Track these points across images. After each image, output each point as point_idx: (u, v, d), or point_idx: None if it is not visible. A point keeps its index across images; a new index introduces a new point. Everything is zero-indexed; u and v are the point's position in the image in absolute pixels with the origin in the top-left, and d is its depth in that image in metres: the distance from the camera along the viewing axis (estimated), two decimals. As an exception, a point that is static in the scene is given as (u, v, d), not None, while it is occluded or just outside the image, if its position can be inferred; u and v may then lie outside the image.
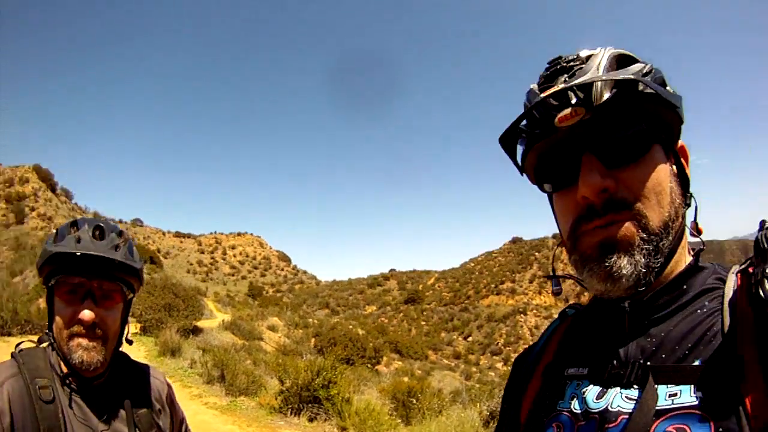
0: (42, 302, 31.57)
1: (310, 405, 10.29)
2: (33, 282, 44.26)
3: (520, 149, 1.21)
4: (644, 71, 1.09)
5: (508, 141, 1.20)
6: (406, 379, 25.12)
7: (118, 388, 1.80)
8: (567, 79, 1.11)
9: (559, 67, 1.16)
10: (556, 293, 1.35)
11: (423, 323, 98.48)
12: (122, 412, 1.77)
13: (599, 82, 1.03)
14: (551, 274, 1.33)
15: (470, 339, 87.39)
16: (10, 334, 20.14)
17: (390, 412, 11.56)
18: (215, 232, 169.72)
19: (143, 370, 2.00)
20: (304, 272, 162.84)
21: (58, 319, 1.65)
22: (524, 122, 1.15)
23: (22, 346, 1.76)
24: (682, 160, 1.21)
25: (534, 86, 1.19)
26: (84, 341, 1.62)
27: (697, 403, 0.92)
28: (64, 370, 1.69)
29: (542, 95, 1.08)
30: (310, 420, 9.89)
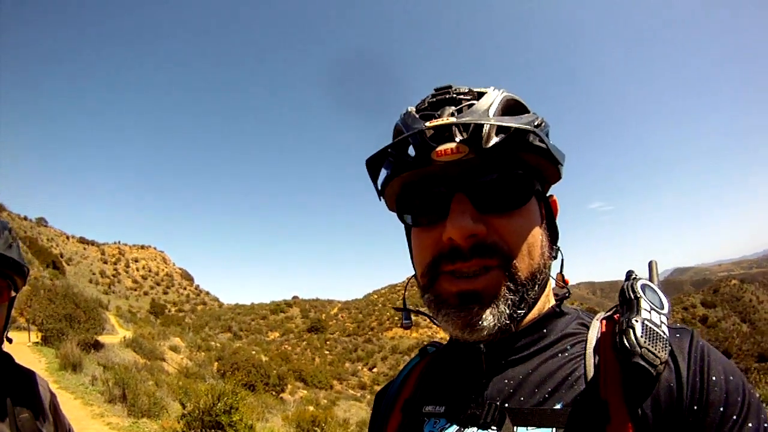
0: None
1: (213, 430, 10.11)
2: None
3: (384, 173, 1.17)
4: (536, 123, 1.10)
5: (374, 164, 1.16)
6: (311, 408, 25.10)
7: (1, 388, 1.76)
8: (455, 112, 1.10)
9: (447, 97, 1.14)
10: (406, 327, 1.35)
11: (327, 352, 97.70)
12: (5, 414, 1.73)
13: (488, 125, 1.02)
14: (402, 306, 1.33)
15: (375, 370, 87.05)
16: None
17: None
18: (119, 242, 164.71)
19: (27, 374, 1.95)
20: (207, 293, 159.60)
21: None
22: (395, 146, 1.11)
23: None
24: (553, 213, 1.24)
25: (412, 109, 1.18)
26: None
27: None
28: None
29: (427, 124, 1.06)
30: None
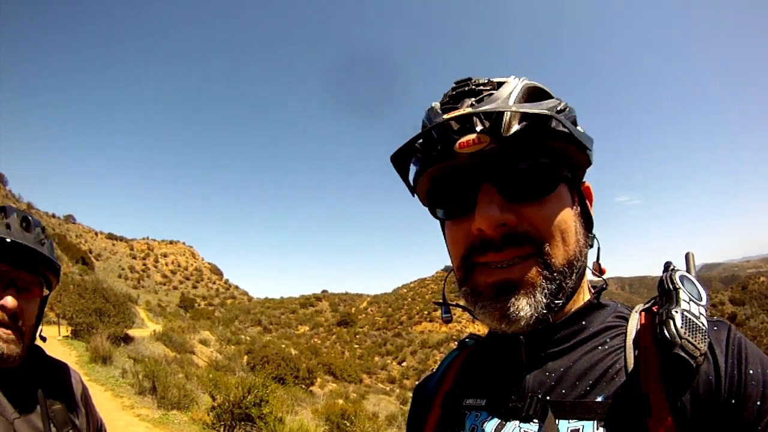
0: None
1: (243, 423, 10.09)
2: None
3: (413, 169, 1.17)
4: (558, 108, 1.07)
5: (400, 159, 1.15)
6: (340, 401, 25.13)
7: (33, 380, 1.77)
8: (474, 103, 1.08)
9: (467, 89, 1.12)
10: (446, 321, 1.31)
11: (356, 346, 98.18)
12: (37, 406, 1.74)
13: (509, 112, 0.99)
14: (441, 301, 1.30)
15: (404, 364, 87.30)
16: None
17: None
18: (147, 238, 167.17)
19: (59, 366, 1.97)
20: (236, 287, 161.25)
21: None
22: (421, 141, 1.10)
23: None
24: (586, 200, 1.20)
25: (436, 104, 1.14)
26: (4, 332, 1.60)
27: None
28: None
29: (445, 116, 1.04)
30: None
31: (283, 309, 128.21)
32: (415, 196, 1.23)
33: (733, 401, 0.89)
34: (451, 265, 1.20)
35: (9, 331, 1.59)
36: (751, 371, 0.91)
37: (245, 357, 37.23)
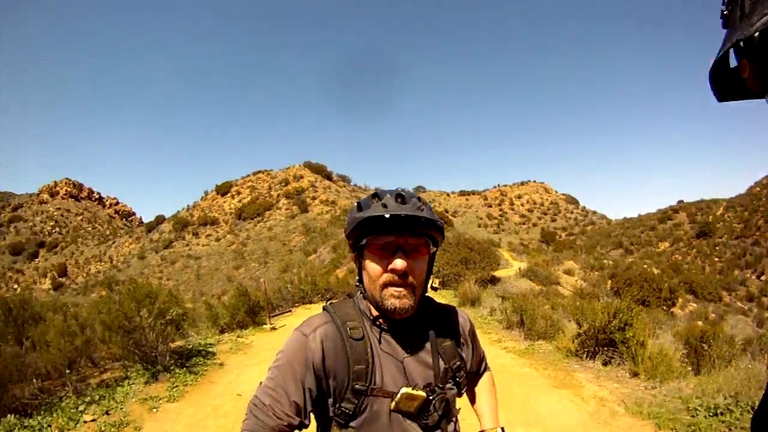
0: (339, 273, 34.69)
1: (605, 348, 10.13)
2: (328, 257, 47.91)
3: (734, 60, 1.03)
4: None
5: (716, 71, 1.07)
6: (700, 323, 23.74)
7: (424, 325, 1.99)
8: None
9: None
10: None
11: (716, 259, 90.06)
12: (427, 344, 1.97)
13: None
14: None
15: (763, 278, 77.57)
16: (311, 302, 22.97)
17: (681, 358, 11.19)
18: (498, 185, 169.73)
19: (447, 309, 2.16)
20: (594, 213, 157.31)
21: (370, 271, 1.87)
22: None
23: (331, 301, 2.07)
24: None
25: None
26: (396, 290, 1.80)
27: None
28: (374, 313, 1.94)
29: None
30: (604, 364, 9.73)
31: (642, 227, 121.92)
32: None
33: None
34: None
35: (401, 289, 1.80)
36: None
37: (608, 282, 36.79)
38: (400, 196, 1.85)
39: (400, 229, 1.81)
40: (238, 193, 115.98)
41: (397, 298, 1.80)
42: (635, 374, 8.65)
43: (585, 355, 10.20)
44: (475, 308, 18.21)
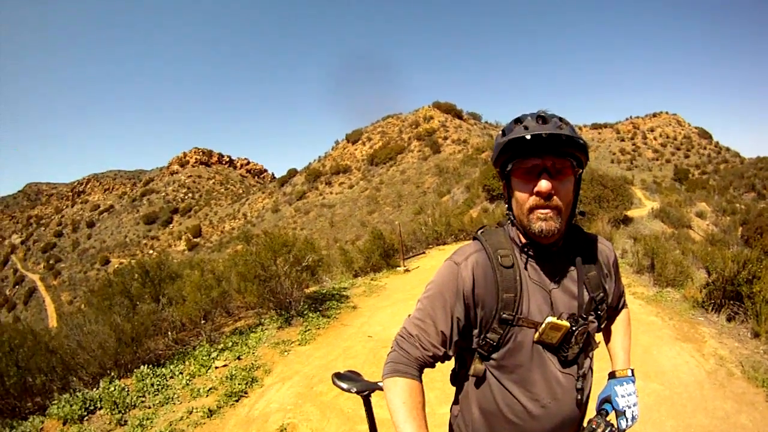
0: (473, 212, 34.84)
1: (730, 302, 9.67)
2: (461, 198, 47.87)
3: None
4: None
5: None
6: None
7: (571, 253, 2.02)
8: None
9: None
10: None
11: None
12: (573, 273, 1.99)
13: None
14: None
15: None
16: (445, 243, 23.07)
17: None
18: (630, 117, 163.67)
19: (593, 238, 2.16)
20: (727, 149, 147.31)
21: (517, 196, 1.88)
22: None
23: (483, 229, 2.10)
24: None
25: None
26: (542, 212, 1.81)
27: None
28: (523, 240, 1.96)
29: None
30: (728, 319, 9.37)
31: None
32: None
33: None
34: None
35: (547, 211, 1.81)
36: None
37: (739, 228, 35.34)
38: (541, 117, 1.84)
39: (543, 151, 1.80)
40: (369, 139, 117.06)
41: (543, 221, 1.82)
42: (757, 334, 8.28)
43: (711, 308, 9.89)
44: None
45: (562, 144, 1.79)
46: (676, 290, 11.84)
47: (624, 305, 2.43)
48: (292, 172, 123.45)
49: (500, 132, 1.93)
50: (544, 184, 1.79)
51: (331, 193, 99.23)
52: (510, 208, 1.99)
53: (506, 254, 1.94)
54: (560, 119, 1.86)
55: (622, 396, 2.10)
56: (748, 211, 42.35)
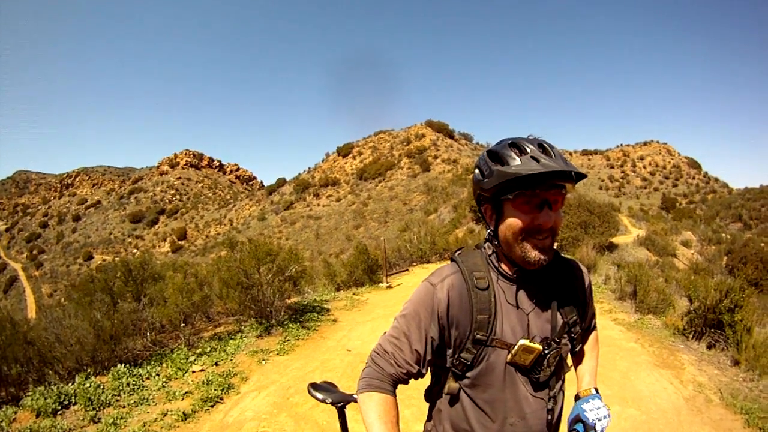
0: (459, 232, 35.39)
1: (711, 330, 9.74)
2: (448, 217, 48.02)
3: None
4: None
5: None
6: None
7: (547, 277, 2.04)
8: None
9: None
10: None
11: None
12: (548, 296, 2.02)
13: None
14: None
15: None
16: (429, 262, 23.12)
17: None
18: (621, 145, 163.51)
19: (570, 263, 2.19)
20: (716, 180, 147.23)
21: (511, 224, 1.87)
22: None
23: (461, 251, 2.13)
24: None
25: None
26: (539, 242, 1.85)
27: None
28: (502, 263, 2.00)
29: None
30: (709, 347, 9.46)
31: (764, 200, 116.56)
32: None
33: None
34: None
35: (545, 242, 1.86)
36: None
37: (724, 258, 35.10)
38: (542, 147, 1.85)
39: (547, 183, 1.81)
40: (360, 153, 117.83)
41: (540, 251, 1.85)
42: (736, 362, 8.39)
43: (691, 335, 9.98)
44: (591, 275, 17.62)
45: (565, 179, 1.82)
46: (658, 317, 11.88)
47: (594, 327, 2.45)
48: (281, 182, 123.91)
49: (486, 155, 1.95)
50: (547, 220, 1.83)
51: (319, 205, 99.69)
52: (495, 232, 1.98)
53: (482, 276, 1.96)
54: (552, 147, 1.87)
55: (591, 410, 2.12)
56: (733, 240, 42.77)
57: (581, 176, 1.85)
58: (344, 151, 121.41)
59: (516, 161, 1.81)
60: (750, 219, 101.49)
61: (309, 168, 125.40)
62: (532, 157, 1.79)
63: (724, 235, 48.23)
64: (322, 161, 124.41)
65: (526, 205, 1.84)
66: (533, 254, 1.84)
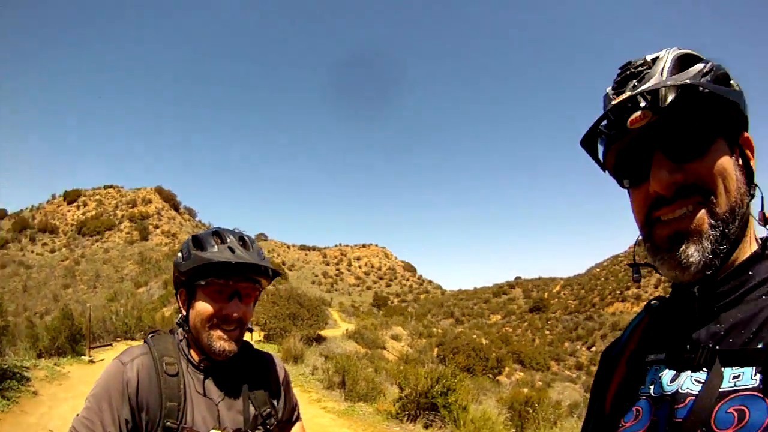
0: (166, 311, 34.34)
1: (426, 412, 10.29)
2: (157, 293, 47.59)
3: (601, 149, 1.30)
4: (704, 71, 1.17)
5: (588, 142, 1.31)
6: (525, 389, 24.75)
7: (240, 369, 2.04)
8: (636, 84, 1.21)
9: (628, 72, 1.26)
10: (636, 280, 1.40)
11: (547, 332, 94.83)
12: (240, 388, 2.00)
13: (663, 87, 1.12)
14: (633, 262, 1.39)
15: (593, 349, 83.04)
16: (133, 339, 22.59)
17: (505, 422, 11.35)
18: (340, 245, 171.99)
19: (264, 356, 2.23)
20: (429, 282, 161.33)
21: (201, 310, 1.87)
22: (604, 123, 1.23)
23: (154, 334, 2.05)
24: (747, 152, 1.26)
25: (609, 90, 1.30)
26: (225, 333, 1.86)
27: (757, 384, 0.98)
28: (194, 353, 1.96)
29: (614, 102, 1.19)
30: (426, 427, 9.89)
31: (476, 299, 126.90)
32: (606, 172, 1.35)
33: None
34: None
35: (231, 333, 1.87)
36: None
37: (436, 349, 37.67)
38: (242, 240, 1.95)
39: (239, 275, 1.87)
40: (85, 204, 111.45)
41: (226, 341, 1.86)
42: (458, 437, 8.58)
43: (406, 418, 10.36)
44: (297, 365, 18.38)
45: (259, 273, 1.93)
46: (369, 404, 12.22)
47: (298, 418, 2.41)
48: (2, 213, 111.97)
49: (191, 240, 1.99)
50: (235, 310, 1.88)
51: (33, 252, 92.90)
52: (187, 318, 1.98)
53: (172, 362, 1.92)
54: (253, 241, 2.02)
55: None
56: (444, 334, 46.06)
57: (277, 273, 2.03)
58: (71, 197, 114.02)
59: (214, 248, 1.89)
60: (462, 315, 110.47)
61: (32, 206, 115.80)
62: (229, 247, 1.89)
63: (435, 329, 51.63)
64: (47, 202, 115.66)
65: (216, 294, 1.88)
66: (219, 344, 1.86)
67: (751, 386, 0.98)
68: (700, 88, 1.12)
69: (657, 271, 1.25)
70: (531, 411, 12.48)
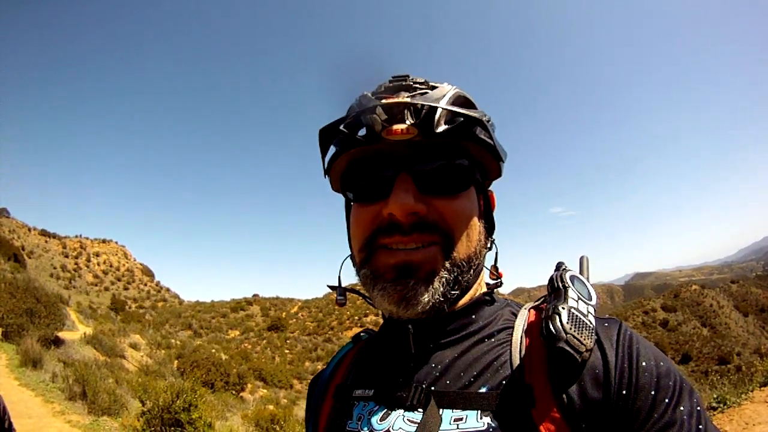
0: None
1: (172, 428, 10.07)
2: None
3: (332, 150, 1.23)
4: (484, 118, 1.16)
5: (326, 137, 1.22)
6: (271, 407, 24.80)
7: None
8: (409, 97, 1.17)
9: (404, 83, 1.22)
10: (340, 304, 1.38)
11: (287, 351, 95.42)
12: None
13: (440, 110, 1.09)
14: (337, 285, 1.37)
15: None
16: None
17: None
18: (80, 236, 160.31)
19: None
20: (167, 290, 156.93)
21: None
22: (350, 122, 1.16)
23: None
24: (491, 207, 1.32)
25: (368, 94, 1.21)
26: None
27: (485, 428, 1.00)
28: None
29: (381, 102, 1.12)
30: None
31: (214, 313, 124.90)
32: (327, 177, 1.31)
33: (625, 392, 0.97)
34: (350, 246, 1.29)
35: None
36: (643, 363, 0.99)
37: (175, 362, 36.55)
38: None
39: None
40: None
41: None
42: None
43: None
44: (37, 371, 16.86)
45: None
46: (113, 419, 11.85)
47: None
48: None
49: None
50: None
51: None
52: None
53: None
54: None
55: None
56: (183, 346, 44.64)
57: None
58: None
59: None
60: (200, 328, 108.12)
61: None
62: None
63: (174, 340, 50.05)
64: None
65: None
66: None
67: (477, 429, 1.00)
68: (478, 130, 1.15)
69: (367, 299, 1.26)
70: (278, 428, 12.47)
